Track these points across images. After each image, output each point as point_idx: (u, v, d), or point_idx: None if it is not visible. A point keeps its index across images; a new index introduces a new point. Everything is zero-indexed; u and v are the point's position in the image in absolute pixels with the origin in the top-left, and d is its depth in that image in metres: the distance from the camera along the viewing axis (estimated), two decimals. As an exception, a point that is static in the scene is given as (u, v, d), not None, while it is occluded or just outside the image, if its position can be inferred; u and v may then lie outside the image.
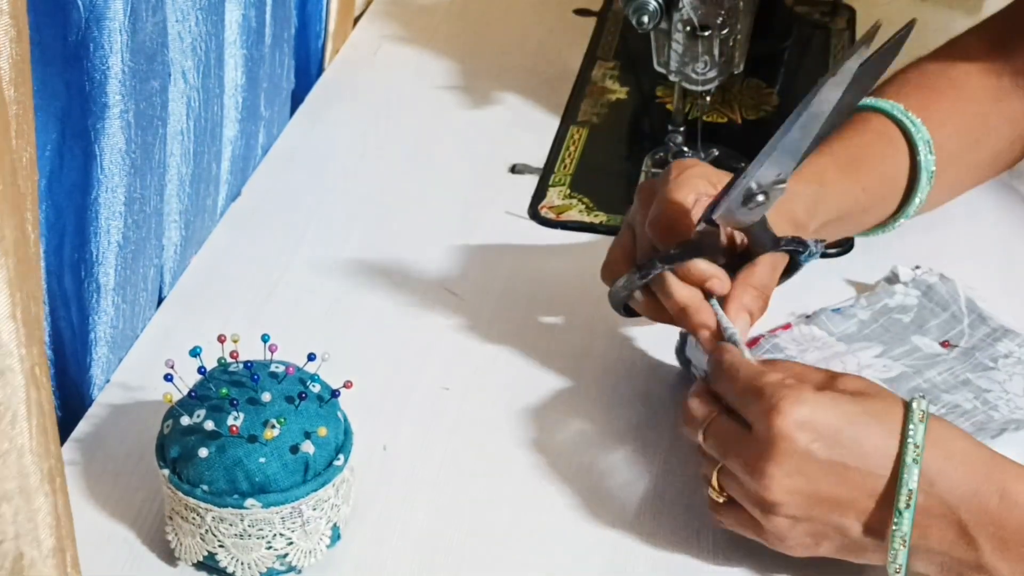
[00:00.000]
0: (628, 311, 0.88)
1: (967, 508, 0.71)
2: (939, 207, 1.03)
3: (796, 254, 0.85)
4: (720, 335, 0.80)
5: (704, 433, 0.76)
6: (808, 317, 0.94)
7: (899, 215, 0.99)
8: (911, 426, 0.71)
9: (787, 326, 0.93)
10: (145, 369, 0.91)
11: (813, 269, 0.97)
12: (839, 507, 0.72)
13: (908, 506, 0.71)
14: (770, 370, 0.75)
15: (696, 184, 0.86)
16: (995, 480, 0.71)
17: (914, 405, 0.72)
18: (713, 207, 0.81)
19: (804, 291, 0.96)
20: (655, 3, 1.01)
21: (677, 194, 0.85)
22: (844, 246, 1.04)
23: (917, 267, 0.98)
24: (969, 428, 0.83)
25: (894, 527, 0.71)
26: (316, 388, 0.77)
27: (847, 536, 0.73)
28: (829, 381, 0.74)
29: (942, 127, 0.98)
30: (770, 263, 0.84)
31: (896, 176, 0.98)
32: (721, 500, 0.76)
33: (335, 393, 0.77)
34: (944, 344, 0.91)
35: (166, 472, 0.75)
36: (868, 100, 0.98)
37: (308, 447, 0.74)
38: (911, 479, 0.70)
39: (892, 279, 0.98)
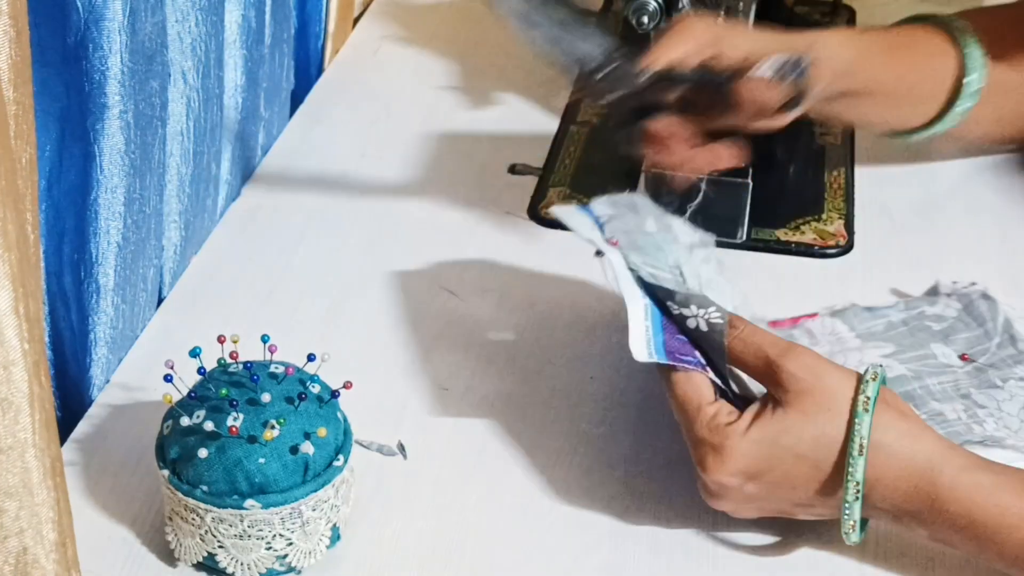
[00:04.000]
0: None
1: (900, 511, 0.73)
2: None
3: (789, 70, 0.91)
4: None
5: None
6: (838, 311, 0.94)
7: (936, 121, 1.01)
8: (850, 460, 0.72)
9: (814, 315, 0.93)
10: (145, 369, 0.91)
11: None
12: (784, 511, 0.77)
13: (854, 531, 0.74)
14: (702, 416, 0.75)
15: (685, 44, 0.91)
16: (924, 489, 0.72)
17: (856, 434, 0.72)
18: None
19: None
20: (655, 3, 1.01)
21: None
22: (845, 247, 1.04)
23: (955, 282, 0.97)
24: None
25: (843, 532, 0.75)
26: (316, 389, 0.77)
27: (795, 514, 0.77)
28: (768, 374, 0.75)
29: (1003, 58, 0.99)
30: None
31: (939, 76, 1.00)
32: None
33: (335, 394, 0.77)
34: (963, 357, 0.90)
35: (166, 473, 0.75)
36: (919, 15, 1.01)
37: (308, 448, 0.74)
38: (854, 514, 0.73)
39: (932, 292, 0.97)
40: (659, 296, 0.79)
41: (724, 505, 0.77)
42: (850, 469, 0.72)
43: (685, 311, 0.77)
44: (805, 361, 0.74)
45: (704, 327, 0.76)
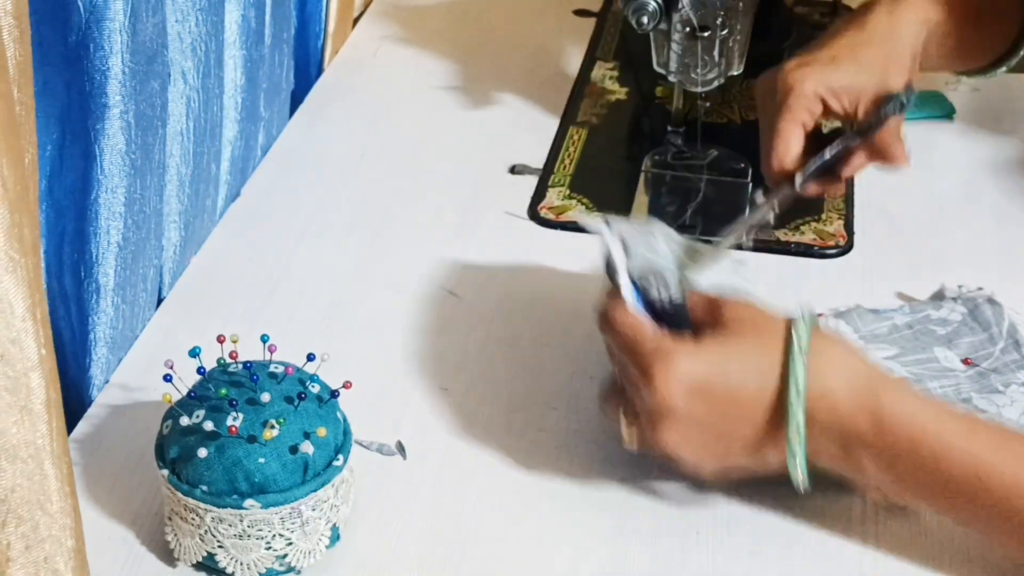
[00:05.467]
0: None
1: (844, 431, 0.75)
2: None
3: (894, 111, 0.92)
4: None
5: (621, 377, 0.80)
6: (842, 312, 0.94)
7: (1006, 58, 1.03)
8: (791, 364, 0.74)
9: (819, 315, 0.93)
10: (145, 369, 0.91)
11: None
12: (731, 441, 0.77)
13: (799, 444, 0.75)
14: (645, 339, 0.77)
15: (802, 116, 0.94)
16: (868, 406, 0.74)
17: (794, 341, 0.74)
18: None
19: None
20: (655, 3, 1.01)
21: (786, 129, 0.94)
22: (844, 247, 1.04)
23: (960, 286, 0.97)
24: None
25: (789, 458, 0.75)
26: (315, 388, 0.77)
27: (745, 457, 0.78)
28: (709, 316, 0.78)
29: None
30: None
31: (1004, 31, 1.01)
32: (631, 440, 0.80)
33: (335, 393, 0.77)
34: (966, 361, 0.90)
35: (165, 472, 0.75)
36: None
37: (307, 447, 0.74)
38: (797, 416, 0.74)
39: (938, 296, 0.97)
40: (633, 277, 0.83)
41: (669, 433, 0.76)
42: (790, 416, 0.74)
43: (646, 283, 0.82)
44: (743, 302, 0.79)
45: (665, 296, 0.81)
